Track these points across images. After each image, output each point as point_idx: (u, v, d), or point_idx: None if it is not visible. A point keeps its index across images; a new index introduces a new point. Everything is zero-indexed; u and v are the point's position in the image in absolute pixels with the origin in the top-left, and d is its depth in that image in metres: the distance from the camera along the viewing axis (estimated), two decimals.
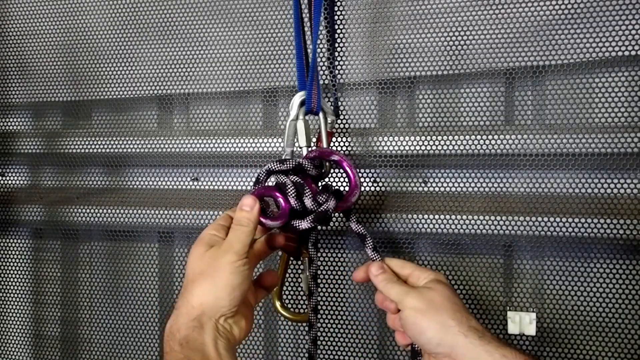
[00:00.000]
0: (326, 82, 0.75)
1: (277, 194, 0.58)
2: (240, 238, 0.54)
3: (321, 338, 0.77)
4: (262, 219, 0.57)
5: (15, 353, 0.93)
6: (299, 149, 0.64)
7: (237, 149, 0.79)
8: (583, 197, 0.67)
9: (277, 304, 0.66)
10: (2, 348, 0.93)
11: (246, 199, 0.56)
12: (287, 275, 0.76)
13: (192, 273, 0.54)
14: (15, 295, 0.93)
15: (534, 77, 0.69)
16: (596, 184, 0.67)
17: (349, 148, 0.75)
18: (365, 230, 0.61)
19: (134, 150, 0.85)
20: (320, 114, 0.66)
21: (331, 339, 0.77)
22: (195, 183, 0.84)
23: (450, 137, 0.70)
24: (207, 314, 0.52)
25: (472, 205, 0.71)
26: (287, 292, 0.80)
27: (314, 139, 0.67)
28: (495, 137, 0.69)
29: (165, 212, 0.83)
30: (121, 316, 0.88)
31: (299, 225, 0.58)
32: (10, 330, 0.93)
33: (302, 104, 0.64)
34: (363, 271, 0.60)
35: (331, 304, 0.77)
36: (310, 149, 0.63)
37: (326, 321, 0.77)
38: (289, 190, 0.58)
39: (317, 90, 0.64)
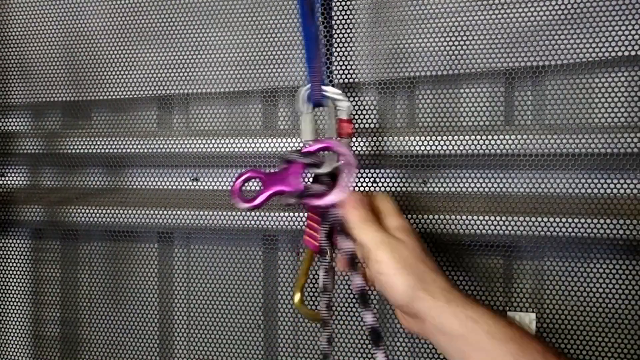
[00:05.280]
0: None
1: (261, 177, 0.60)
2: None
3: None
4: (240, 201, 0.60)
5: (14, 353, 0.93)
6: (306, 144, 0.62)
7: (237, 149, 0.79)
8: (583, 197, 0.67)
9: (297, 297, 0.63)
10: (1, 348, 0.93)
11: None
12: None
13: None
14: (15, 296, 0.93)
15: (533, 77, 0.69)
16: (596, 184, 0.67)
17: None
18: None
19: (133, 150, 0.85)
20: (327, 106, 0.63)
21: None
22: (195, 183, 0.84)
23: (450, 137, 0.70)
24: None
25: (472, 205, 0.71)
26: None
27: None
28: (495, 137, 0.69)
29: (165, 212, 0.83)
30: (121, 317, 0.88)
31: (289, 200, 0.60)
32: (10, 330, 0.93)
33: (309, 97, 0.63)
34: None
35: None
36: (308, 144, 0.62)
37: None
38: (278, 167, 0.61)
39: (320, 80, 0.62)
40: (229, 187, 0.81)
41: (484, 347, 0.47)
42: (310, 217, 0.62)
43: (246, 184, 0.61)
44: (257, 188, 0.60)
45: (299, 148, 0.62)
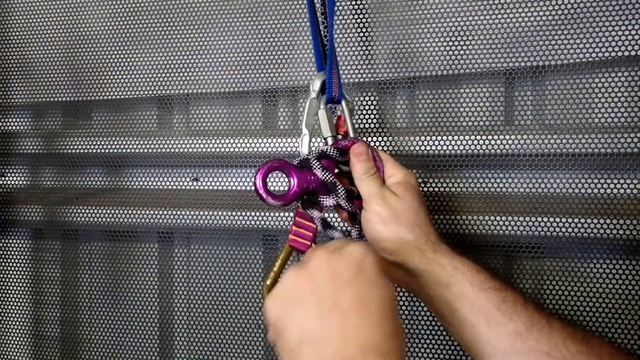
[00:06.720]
0: None
1: (291, 170, 0.55)
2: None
3: None
4: (265, 196, 0.54)
5: (14, 353, 0.93)
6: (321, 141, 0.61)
7: (237, 149, 0.79)
8: (583, 197, 0.67)
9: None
10: (1, 348, 0.93)
11: None
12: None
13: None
14: (15, 296, 0.93)
15: (533, 77, 0.69)
16: (596, 184, 0.67)
17: None
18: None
19: (133, 150, 0.85)
20: (343, 102, 0.62)
21: None
22: (195, 183, 0.84)
23: (450, 137, 0.70)
24: None
25: (472, 205, 0.71)
26: None
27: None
28: (495, 137, 0.69)
29: (165, 212, 0.83)
30: (121, 317, 0.88)
31: (323, 201, 0.56)
32: (10, 330, 0.93)
33: (320, 91, 0.61)
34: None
35: None
36: (341, 138, 0.60)
37: None
38: (314, 164, 0.56)
39: (337, 77, 0.62)
40: (231, 187, 0.81)
41: (467, 295, 0.50)
42: (300, 215, 0.57)
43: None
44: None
45: (322, 146, 0.58)
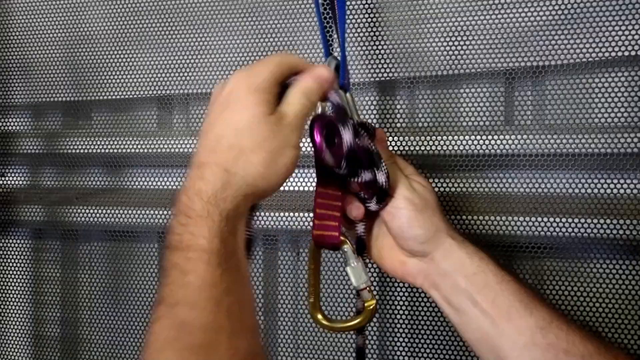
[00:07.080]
0: None
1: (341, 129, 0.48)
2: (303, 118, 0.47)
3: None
4: (326, 149, 0.48)
5: (14, 353, 0.93)
6: None
7: None
8: (583, 197, 0.67)
9: (319, 316, 0.54)
10: (1, 348, 0.93)
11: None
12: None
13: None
14: (15, 296, 0.93)
15: (533, 77, 0.69)
16: (596, 184, 0.67)
17: None
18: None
19: (133, 150, 0.85)
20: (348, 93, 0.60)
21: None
22: None
23: (450, 137, 0.70)
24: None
25: (472, 205, 0.71)
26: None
27: None
28: (495, 137, 0.69)
29: (165, 212, 0.83)
30: (121, 317, 0.88)
31: (362, 174, 0.50)
32: (10, 330, 0.93)
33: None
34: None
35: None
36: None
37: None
38: (361, 131, 0.49)
39: (346, 66, 0.60)
40: None
41: (491, 285, 0.50)
42: (322, 205, 0.52)
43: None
44: None
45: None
